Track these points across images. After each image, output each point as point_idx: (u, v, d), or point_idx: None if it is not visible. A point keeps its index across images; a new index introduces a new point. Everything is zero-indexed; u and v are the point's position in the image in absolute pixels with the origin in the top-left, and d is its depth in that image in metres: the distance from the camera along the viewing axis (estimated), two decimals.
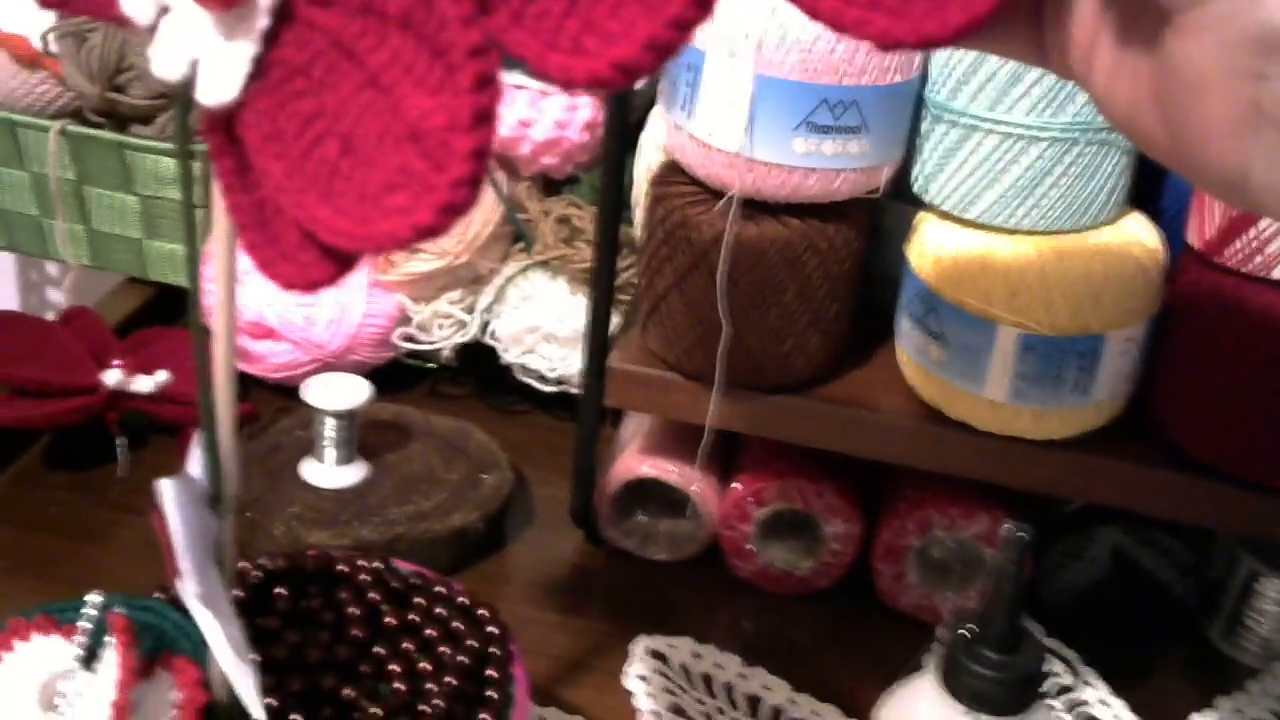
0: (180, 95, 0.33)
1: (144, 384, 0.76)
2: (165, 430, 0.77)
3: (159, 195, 0.85)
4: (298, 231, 0.31)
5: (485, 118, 0.26)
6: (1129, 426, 0.63)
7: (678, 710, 0.62)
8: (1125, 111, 0.34)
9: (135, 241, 0.88)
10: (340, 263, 0.31)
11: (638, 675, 0.63)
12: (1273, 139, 0.31)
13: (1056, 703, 0.64)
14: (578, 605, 0.69)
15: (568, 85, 0.26)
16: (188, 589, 0.38)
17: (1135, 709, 0.64)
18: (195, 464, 0.39)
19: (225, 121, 0.32)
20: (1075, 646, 0.67)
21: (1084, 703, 0.64)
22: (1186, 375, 0.60)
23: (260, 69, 0.30)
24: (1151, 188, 0.65)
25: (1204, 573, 0.68)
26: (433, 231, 0.26)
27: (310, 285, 0.31)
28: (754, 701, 0.63)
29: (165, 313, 0.91)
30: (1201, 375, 0.59)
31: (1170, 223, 0.64)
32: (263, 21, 0.29)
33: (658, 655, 0.65)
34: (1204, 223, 0.58)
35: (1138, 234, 0.60)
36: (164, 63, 0.32)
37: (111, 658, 0.43)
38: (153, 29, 0.31)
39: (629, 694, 0.62)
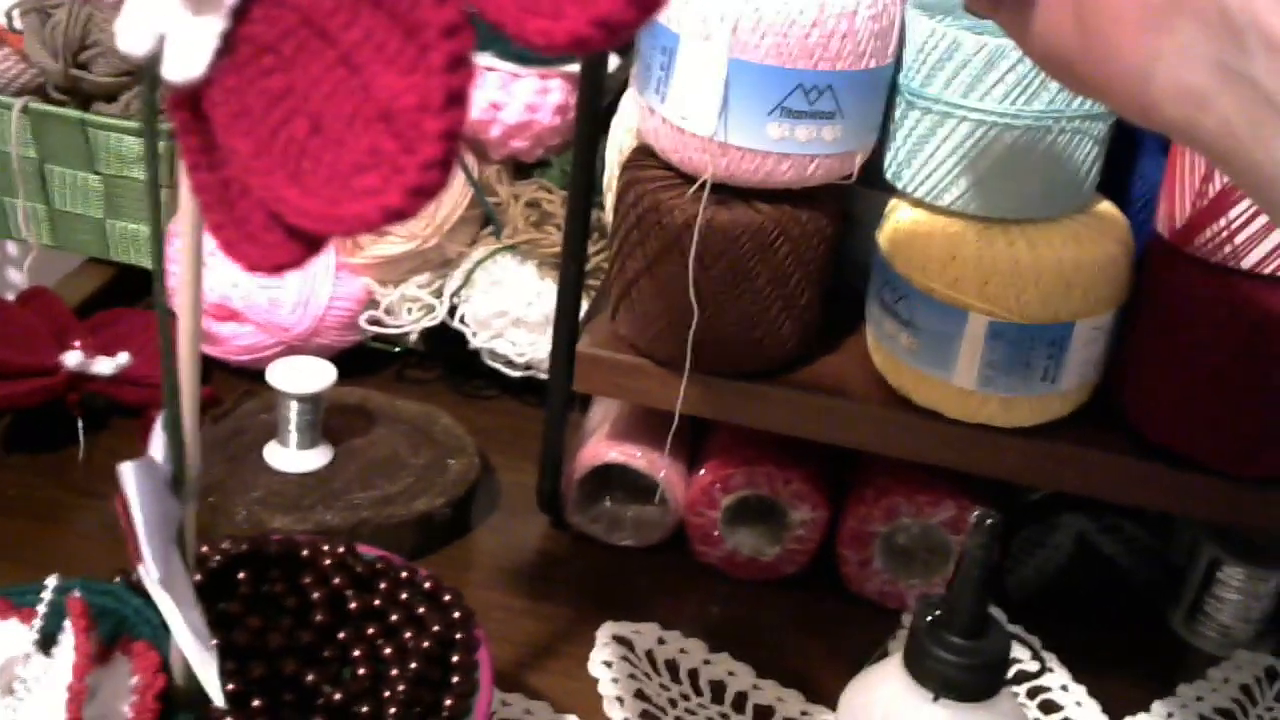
0: (147, 71, 0.32)
1: (104, 366, 0.75)
2: (126, 412, 0.76)
3: (121, 174, 0.84)
4: (264, 212, 0.30)
5: (457, 99, 0.25)
6: (1095, 415, 0.63)
7: (642, 696, 0.62)
8: (1041, 19, 0.34)
9: (97, 221, 0.87)
10: (307, 245, 0.30)
11: (602, 661, 0.63)
12: (1187, 33, 0.30)
13: (1019, 689, 0.64)
14: (543, 591, 0.69)
15: (550, 49, 0.25)
16: (149, 574, 0.38)
17: (1097, 695, 0.64)
18: (157, 448, 0.38)
19: (192, 99, 0.31)
20: (1038, 633, 0.67)
21: (1046, 689, 0.65)
22: (1153, 364, 0.60)
23: (228, 45, 0.30)
24: (1121, 177, 0.66)
25: (1167, 560, 0.68)
26: (402, 214, 0.26)
27: (275, 267, 0.31)
28: (719, 687, 0.63)
29: (126, 294, 0.89)
30: (1167, 364, 0.59)
31: (1139, 212, 0.64)
32: None
33: (623, 641, 0.65)
34: (1173, 212, 0.58)
35: (1108, 223, 0.60)
36: (130, 37, 0.31)
37: (69, 642, 0.42)
38: (119, 3, 0.31)
39: (594, 679, 0.62)
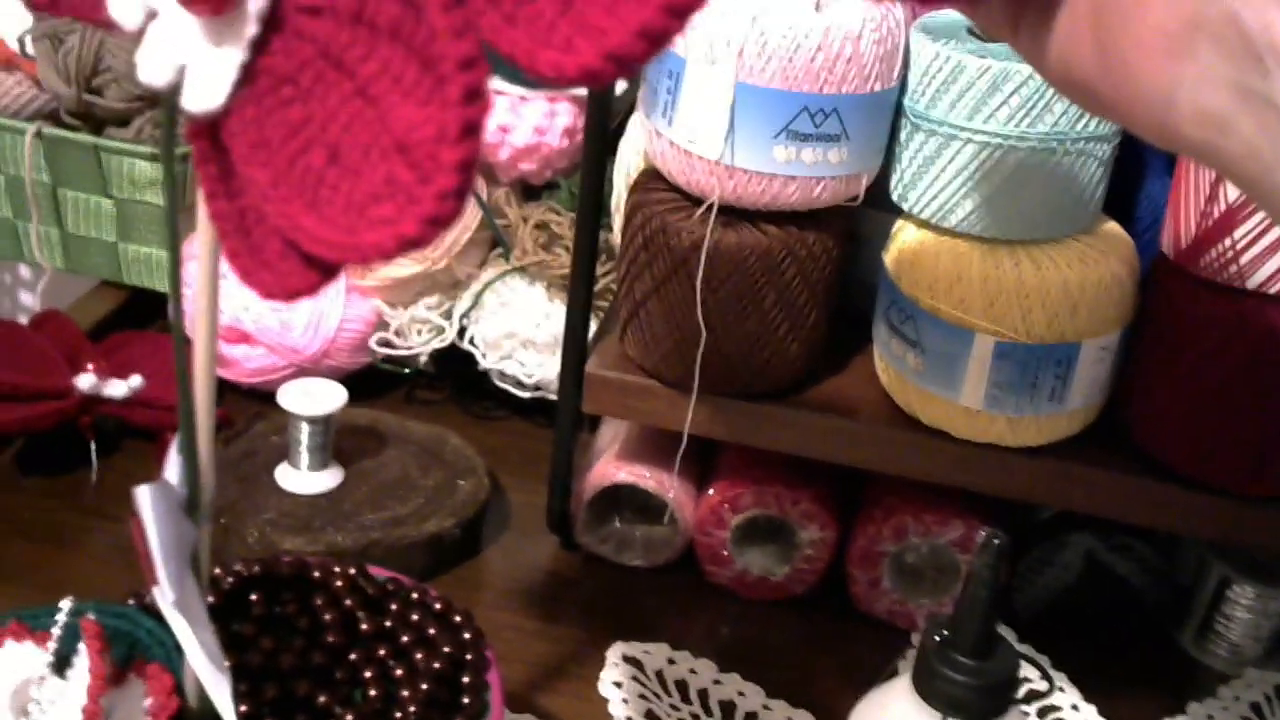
0: (166, 101, 0.32)
1: (117, 388, 0.75)
2: (139, 435, 0.77)
3: (134, 198, 0.84)
4: (279, 240, 0.31)
5: (473, 130, 0.26)
6: (1102, 434, 0.63)
7: (652, 716, 0.62)
8: (1059, 43, 0.34)
9: (110, 245, 0.87)
10: (322, 272, 0.30)
11: (613, 681, 0.63)
12: (1207, 57, 0.30)
13: (1029, 709, 0.64)
14: (553, 611, 0.69)
15: (561, 81, 0.26)
16: (165, 596, 0.38)
17: (1107, 715, 0.64)
18: (172, 470, 0.39)
19: (210, 128, 0.31)
20: (1047, 652, 0.67)
21: (1056, 709, 0.65)
22: (1159, 384, 0.61)
23: (248, 77, 0.30)
24: (1127, 198, 0.66)
25: (1175, 579, 0.68)
26: (418, 243, 0.27)
27: (290, 294, 0.31)
28: (729, 707, 0.63)
29: (139, 316, 0.90)
30: (1174, 384, 0.60)
31: (1144, 233, 0.64)
32: (251, 29, 0.29)
33: (633, 661, 0.65)
34: (1179, 233, 0.58)
35: (1113, 243, 0.60)
36: (151, 68, 0.31)
37: (84, 664, 0.42)
38: (140, 33, 0.31)
39: (604, 700, 0.62)
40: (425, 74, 0.26)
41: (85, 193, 0.85)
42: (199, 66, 0.31)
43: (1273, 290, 0.56)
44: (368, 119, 0.27)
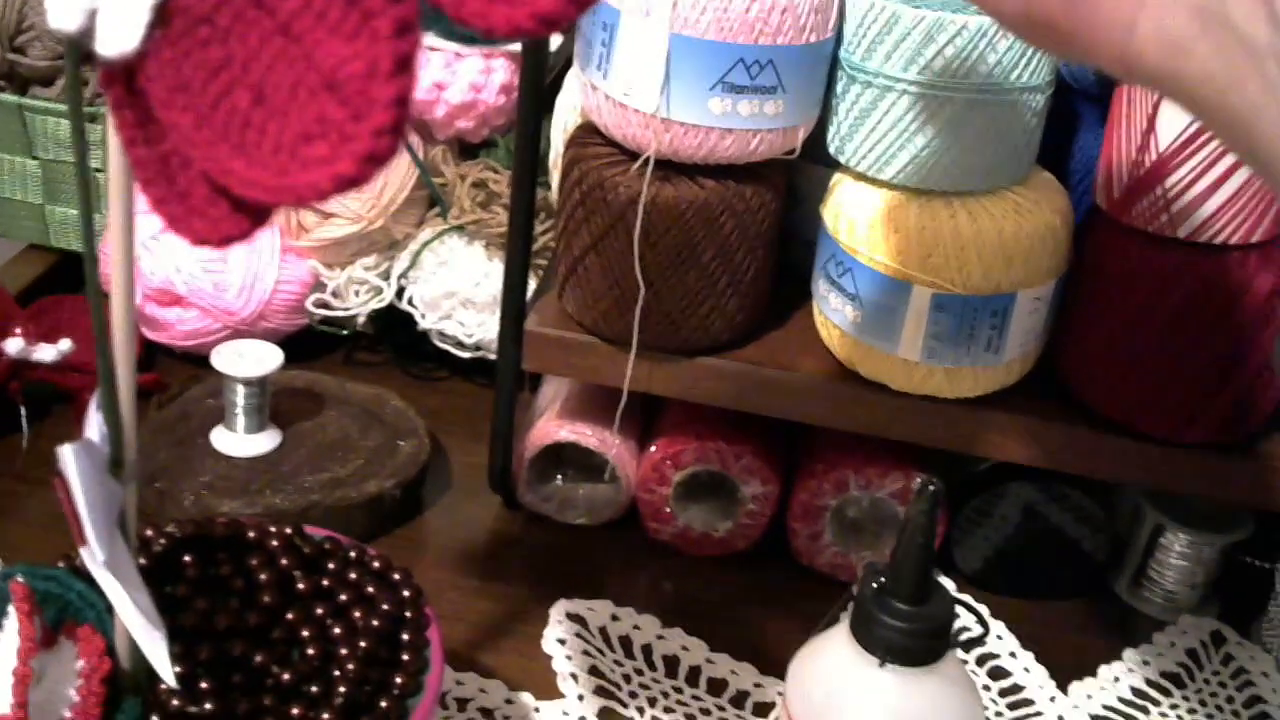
0: (72, 47, 0.32)
1: (46, 353, 0.74)
2: (68, 399, 0.75)
3: (60, 159, 0.83)
4: (207, 185, 0.30)
5: (405, 65, 0.25)
6: (1038, 384, 0.64)
7: (596, 672, 0.62)
8: None
9: (36, 207, 0.85)
10: (254, 216, 0.30)
11: (556, 639, 0.63)
12: None
13: (967, 656, 0.65)
14: (496, 570, 0.69)
15: (488, 33, 0.25)
16: (95, 556, 0.37)
17: (1044, 661, 0.65)
18: (93, 429, 0.38)
19: (125, 73, 0.31)
20: (986, 601, 0.68)
21: (994, 656, 0.65)
22: (1093, 333, 0.61)
23: (161, 18, 0.29)
24: (1061, 150, 0.66)
25: (1112, 528, 0.69)
26: (355, 181, 0.26)
27: (223, 240, 0.30)
28: (672, 662, 0.63)
29: (67, 280, 0.88)
30: (1108, 333, 0.60)
31: (1078, 184, 0.65)
32: None
33: (576, 618, 0.65)
34: (1111, 183, 0.59)
35: (1047, 194, 0.61)
36: (60, 12, 0.31)
37: (13, 627, 0.42)
38: None
39: (548, 657, 0.62)
40: (351, 9, 0.26)
41: (10, 154, 0.84)
42: (110, 9, 0.30)
43: (1202, 239, 0.57)
44: (292, 57, 0.27)
